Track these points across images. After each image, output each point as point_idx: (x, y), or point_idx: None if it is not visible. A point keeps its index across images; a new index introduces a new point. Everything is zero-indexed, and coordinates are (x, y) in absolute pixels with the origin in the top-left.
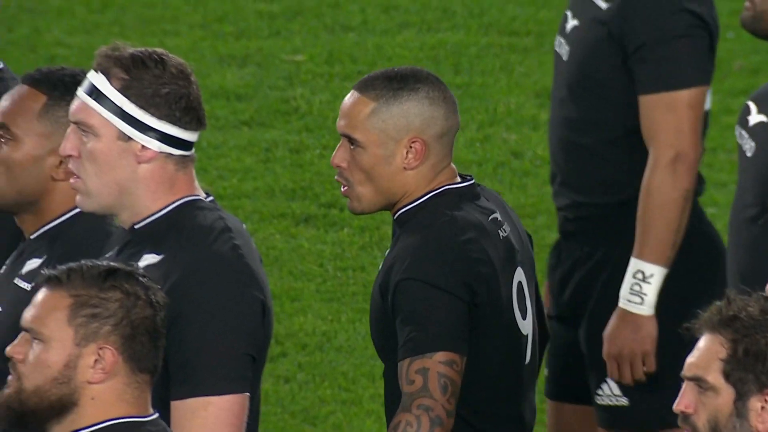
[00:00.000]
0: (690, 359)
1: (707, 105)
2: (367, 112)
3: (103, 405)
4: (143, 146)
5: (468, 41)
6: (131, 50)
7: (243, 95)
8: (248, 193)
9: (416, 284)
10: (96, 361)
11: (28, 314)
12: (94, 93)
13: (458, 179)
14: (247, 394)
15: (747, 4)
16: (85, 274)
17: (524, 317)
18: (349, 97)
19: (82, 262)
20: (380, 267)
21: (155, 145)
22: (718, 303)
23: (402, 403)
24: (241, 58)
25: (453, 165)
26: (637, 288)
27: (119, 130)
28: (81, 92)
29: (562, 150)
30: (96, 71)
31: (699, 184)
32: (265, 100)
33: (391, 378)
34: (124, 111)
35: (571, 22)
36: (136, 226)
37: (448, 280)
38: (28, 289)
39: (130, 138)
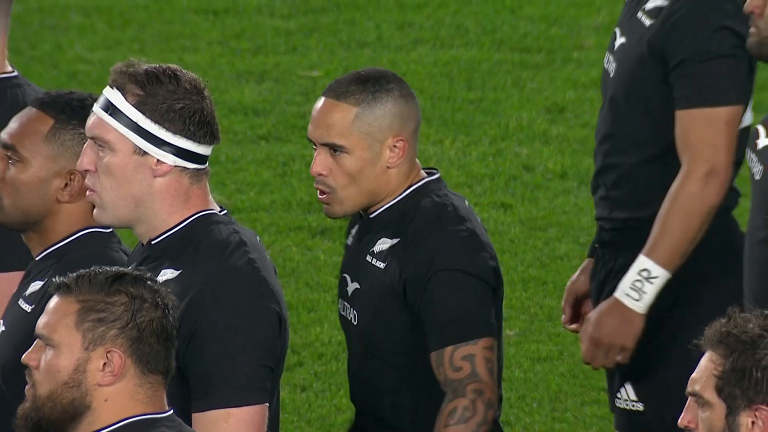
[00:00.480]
0: (692, 375)
1: (748, 121)
2: (350, 117)
3: (117, 406)
4: (158, 160)
5: (480, 57)
6: (146, 66)
7: (260, 110)
8: (265, 206)
9: (456, 274)
10: (105, 364)
11: (40, 321)
12: (110, 109)
13: (424, 173)
14: (267, 404)
15: (752, 29)
16: (92, 280)
17: None
18: (324, 106)
19: (92, 268)
20: (369, 262)
21: (170, 159)
22: (721, 320)
23: (453, 389)
24: (259, 74)
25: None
26: (638, 285)
27: (135, 144)
28: (97, 108)
29: (604, 164)
30: (111, 87)
31: (734, 198)
32: (282, 115)
33: (386, 372)
34: (139, 126)
35: (619, 40)
36: (153, 242)
37: (481, 267)
38: (29, 310)
39: (145, 152)
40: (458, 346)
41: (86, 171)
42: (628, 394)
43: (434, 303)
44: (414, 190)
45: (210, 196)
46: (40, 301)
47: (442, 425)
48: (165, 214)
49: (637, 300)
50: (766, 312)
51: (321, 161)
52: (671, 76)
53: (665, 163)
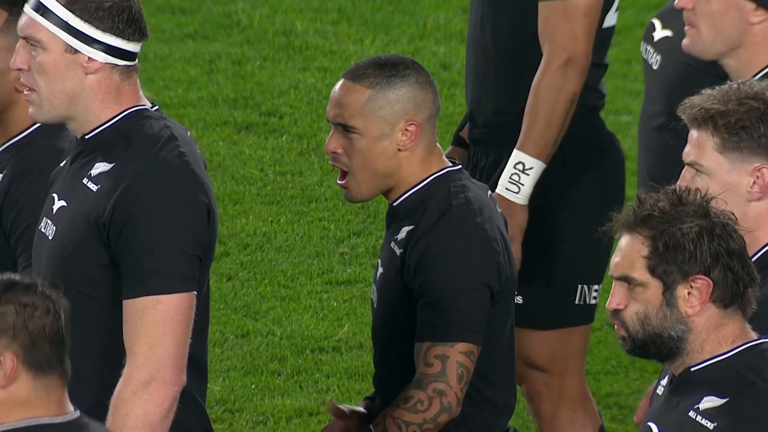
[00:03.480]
0: (615, 260)
1: (612, 21)
2: (363, 99)
3: (10, 408)
4: (90, 58)
5: None
6: None
7: (187, 9)
8: (193, 102)
9: (451, 270)
10: None
11: None
12: (41, 9)
13: (447, 161)
14: (195, 292)
15: None
16: None
17: None
18: (341, 87)
19: None
20: (392, 248)
21: (101, 56)
22: (630, 204)
23: (417, 381)
24: None
25: (438, 145)
26: (515, 178)
27: (66, 43)
28: (28, 8)
29: (473, 58)
30: None
31: (599, 98)
32: (209, 14)
33: (393, 353)
34: (70, 25)
35: None
36: (87, 137)
37: (480, 268)
38: None
39: (76, 51)
40: (436, 344)
41: (20, 69)
42: None
43: (428, 296)
44: (434, 179)
45: (141, 92)
46: (2, 192)
47: (395, 405)
48: (98, 110)
49: (516, 192)
50: (667, 188)
51: (335, 140)
52: None
53: (531, 55)
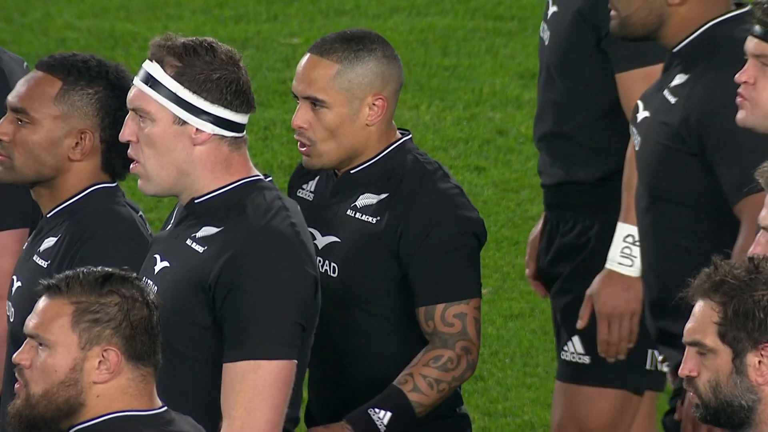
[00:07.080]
0: (688, 325)
1: None
2: (332, 73)
3: (107, 401)
4: (198, 129)
5: (455, 25)
6: (183, 39)
7: None
8: None
9: (452, 233)
10: (100, 362)
11: (31, 322)
12: (150, 81)
13: (398, 134)
14: (295, 360)
15: (612, 13)
16: (83, 282)
17: None
18: (309, 61)
19: (79, 269)
20: (364, 220)
21: (209, 127)
22: (706, 270)
23: (442, 340)
24: (241, 41)
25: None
26: (627, 251)
27: (174, 114)
28: (137, 80)
29: (547, 131)
30: (151, 60)
31: None
32: (264, 81)
33: (370, 324)
34: (178, 96)
35: (551, 9)
36: (196, 201)
37: (474, 225)
38: (44, 266)
39: (185, 122)
40: (451, 304)
41: (128, 141)
42: (575, 348)
43: (429, 260)
44: (396, 148)
45: (250, 162)
46: (55, 257)
47: (422, 363)
48: (208, 180)
49: (630, 266)
50: (745, 256)
51: (302, 115)
52: (604, 42)
53: (602, 124)
